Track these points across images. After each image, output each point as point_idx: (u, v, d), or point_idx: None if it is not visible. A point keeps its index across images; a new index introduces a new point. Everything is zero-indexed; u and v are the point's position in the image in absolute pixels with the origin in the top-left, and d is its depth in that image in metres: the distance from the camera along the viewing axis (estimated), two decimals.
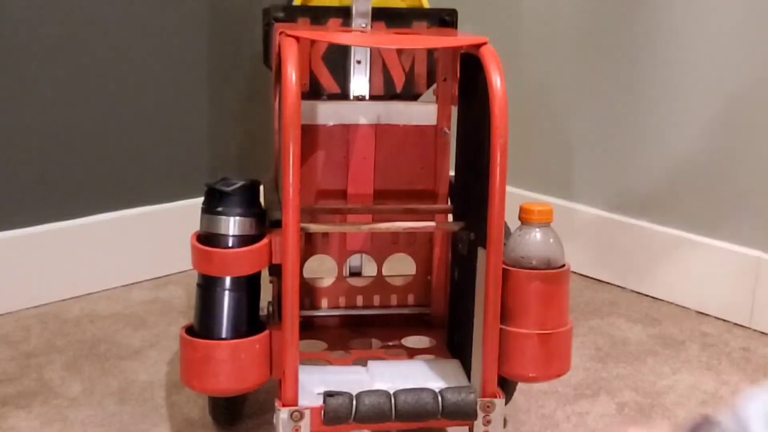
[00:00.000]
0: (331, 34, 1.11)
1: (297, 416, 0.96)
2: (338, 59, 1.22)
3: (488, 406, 1.01)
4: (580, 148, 1.78)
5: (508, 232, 1.07)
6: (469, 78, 1.08)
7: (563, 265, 1.07)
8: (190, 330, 1.02)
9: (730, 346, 1.47)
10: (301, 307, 0.99)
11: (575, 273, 1.72)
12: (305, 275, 1.23)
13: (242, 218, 0.99)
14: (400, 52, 1.24)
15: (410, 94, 1.26)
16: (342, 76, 1.23)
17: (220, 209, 1.00)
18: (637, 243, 1.69)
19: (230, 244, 0.99)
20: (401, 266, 1.32)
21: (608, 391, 1.30)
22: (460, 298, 1.14)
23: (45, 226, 1.55)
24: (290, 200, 0.93)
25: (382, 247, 1.27)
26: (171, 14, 1.66)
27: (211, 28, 1.72)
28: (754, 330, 1.53)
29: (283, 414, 0.96)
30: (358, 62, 1.21)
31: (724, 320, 1.57)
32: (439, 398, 0.99)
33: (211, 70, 1.73)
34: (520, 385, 1.22)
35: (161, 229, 1.69)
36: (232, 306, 1.00)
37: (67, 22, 1.53)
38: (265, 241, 0.99)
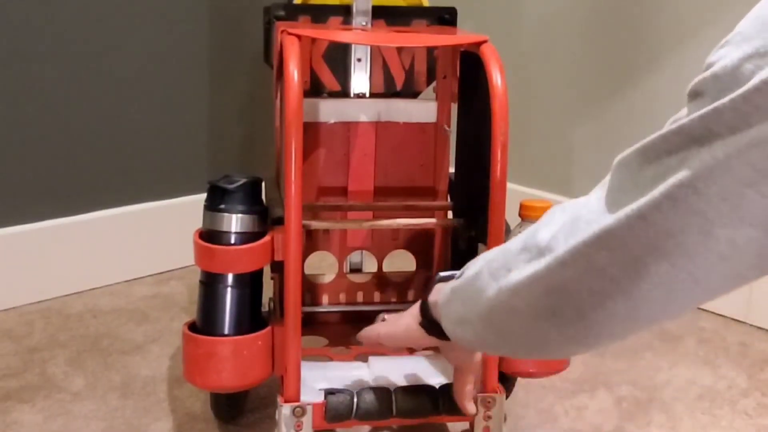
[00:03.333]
0: (332, 32, 1.12)
1: (299, 412, 0.97)
2: (339, 57, 1.23)
3: (489, 402, 1.02)
4: (579, 144, 1.79)
5: (508, 229, 1.07)
6: (469, 76, 1.09)
7: None
8: (192, 326, 1.03)
9: (728, 341, 1.48)
10: (302, 304, 1.00)
11: None
12: (306, 271, 1.24)
13: (244, 215, 1.00)
14: (400, 50, 1.25)
15: (410, 92, 1.26)
16: (343, 73, 1.24)
17: (222, 206, 1.01)
18: None
19: (232, 241, 1.00)
20: (401, 262, 1.33)
21: (606, 386, 1.31)
22: None
23: (47, 223, 1.56)
24: (292, 197, 0.94)
25: (382, 244, 1.28)
26: (172, 12, 1.66)
27: (213, 25, 1.72)
28: (751, 325, 1.54)
29: (285, 410, 0.97)
30: (359, 60, 1.22)
31: (722, 315, 1.58)
32: (440, 394, 1.00)
33: (213, 68, 1.74)
34: (519, 380, 1.23)
35: (163, 225, 1.70)
36: (235, 303, 1.01)
37: (69, 21, 1.53)
38: (267, 238, 1.00)
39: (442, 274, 0.86)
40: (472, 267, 0.74)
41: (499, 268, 0.67)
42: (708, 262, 0.51)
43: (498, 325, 0.68)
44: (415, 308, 0.89)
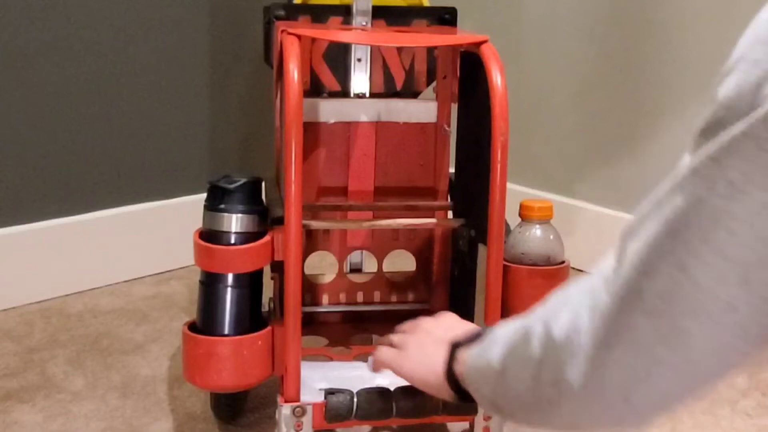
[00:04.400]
0: (332, 32, 1.12)
1: (299, 412, 0.97)
2: (339, 57, 1.23)
3: None
4: (579, 145, 1.79)
5: (508, 229, 1.07)
6: (469, 76, 1.09)
7: (563, 262, 1.07)
8: (192, 326, 1.03)
9: None
10: (302, 303, 1.00)
11: (575, 269, 1.73)
12: (306, 271, 1.23)
13: (244, 215, 1.00)
14: (400, 49, 1.25)
15: (410, 92, 1.26)
16: (343, 73, 1.24)
17: (222, 206, 1.01)
18: None
19: (232, 241, 1.00)
20: (401, 262, 1.33)
21: None
22: (461, 294, 1.15)
23: (48, 222, 1.56)
24: (292, 197, 0.94)
25: (382, 244, 1.27)
26: (172, 12, 1.66)
27: (213, 25, 1.72)
28: None
29: (285, 410, 0.97)
30: (359, 60, 1.22)
31: None
32: None
33: (213, 68, 1.74)
34: None
35: (163, 225, 1.70)
36: (235, 302, 1.01)
37: (69, 21, 1.53)
38: (267, 238, 1.00)
39: (461, 340, 0.81)
40: (494, 348, 0.71)
41: (525, 359, 0.65)
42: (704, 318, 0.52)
43: (531, 412, 0.67)
44: (438, 370, 0.82)
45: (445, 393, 0.83)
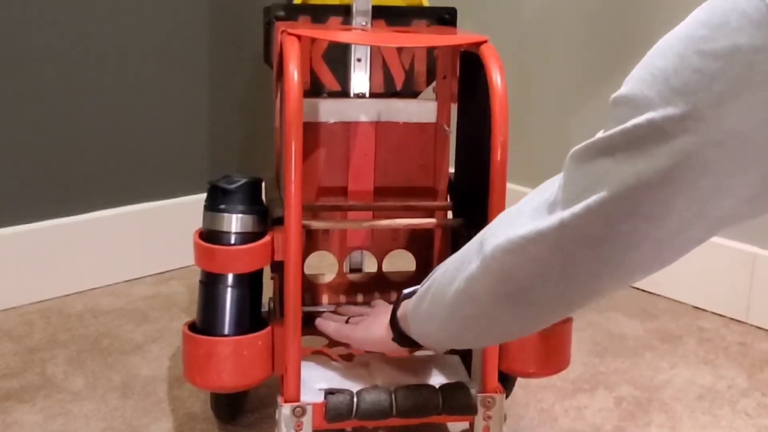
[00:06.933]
0: (332, 33, 1.12)
1: (299, 412, 0.97)
2: (339, 57, 1.23)
3: (489, 402, 1.02)
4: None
5: None
6: (469, 76, 1.09)
7: None
8: (192, 326, 1.03)
9: (727, 340, 1.48)
10: (302, 303, 1.00)
11: None
12: (306, 271, 1.23)
13: (244, 215, 1.00)
14: (400, 50, 1.25)
15: (410, 92, 1.26)
16: (342, 73, 1.24)
17: (222, 206, 1.01)
18: None
19: (232, 242, 1.00)
20: (401, 262, 1.33)
21: (606, 386, 1.31)
22: None
23: (48, 222, 1.56)
24: (292, 197, 0.94)
25: (382, 244, 1.28)
26: (172, 12, 1.66)
27: (213, 25, 1.72)
28: (751, 325, 1.54)
29: (285, 410, 0.97)
30: (359, 60, 1.22)
31: (721, 315, 1.58)
32: (440, 394, 1.00)
33: (213, 68, 1.74)
34: (518, 379, 1.23)
35: (163, 225, 1.70)
36: (235, 303, 1.01)
37: (69, 21, 1.53)
38: (267, 238, 1.00)
39: (406, 291, 0.94)
40: (439, 269, 0.83)
41: (462, 262, 0.76)
42: (618, 250, 0.61)
43: (461, 314, 0.76)
44: (385, 323, 0.98)
45: (391, 347, 0.98)
